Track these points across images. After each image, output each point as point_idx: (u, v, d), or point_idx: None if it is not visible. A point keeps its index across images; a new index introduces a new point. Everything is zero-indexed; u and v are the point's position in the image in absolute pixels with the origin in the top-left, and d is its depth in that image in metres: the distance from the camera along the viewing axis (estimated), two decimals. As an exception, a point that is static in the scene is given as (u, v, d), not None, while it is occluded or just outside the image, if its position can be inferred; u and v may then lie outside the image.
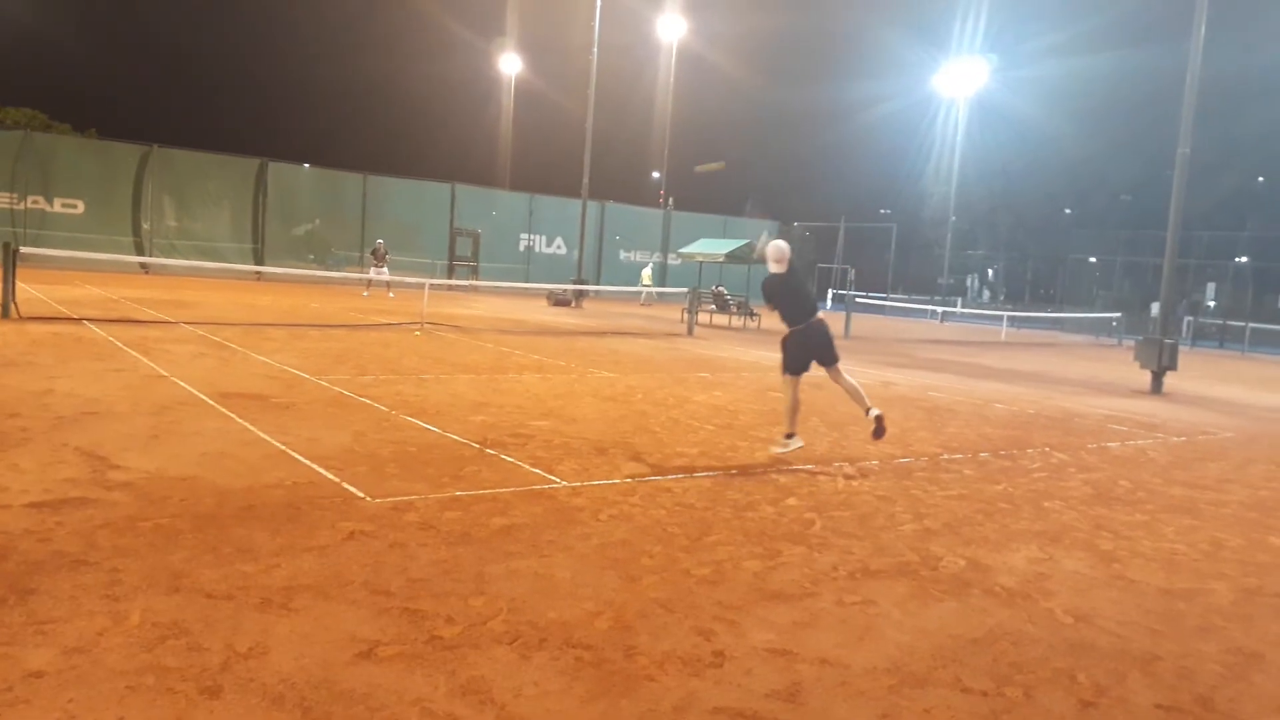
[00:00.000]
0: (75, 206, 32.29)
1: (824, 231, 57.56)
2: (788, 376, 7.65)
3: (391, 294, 27.37)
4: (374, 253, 27.43)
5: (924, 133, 53.84)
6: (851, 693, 3.44)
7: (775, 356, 18.60)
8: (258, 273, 32.04)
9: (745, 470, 7.06)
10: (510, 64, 52.49)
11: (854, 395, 7.72)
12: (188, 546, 4.47)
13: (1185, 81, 15.44)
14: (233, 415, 7.73)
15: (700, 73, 61.08)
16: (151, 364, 10.30)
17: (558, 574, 4.47)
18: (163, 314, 16.59)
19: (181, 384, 9.10)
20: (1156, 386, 15.48)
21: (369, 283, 27.67)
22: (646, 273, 37.38)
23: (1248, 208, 48.71)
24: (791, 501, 6.21)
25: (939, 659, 3.81)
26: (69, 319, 14.51)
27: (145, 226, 33.01)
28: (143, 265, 30.63)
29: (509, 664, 3.46)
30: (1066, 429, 10.54)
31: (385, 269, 27.01)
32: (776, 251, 7.74)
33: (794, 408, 7.56)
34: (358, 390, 9.50)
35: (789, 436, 7.52)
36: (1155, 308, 39.23)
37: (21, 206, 31.27)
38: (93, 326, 13.69)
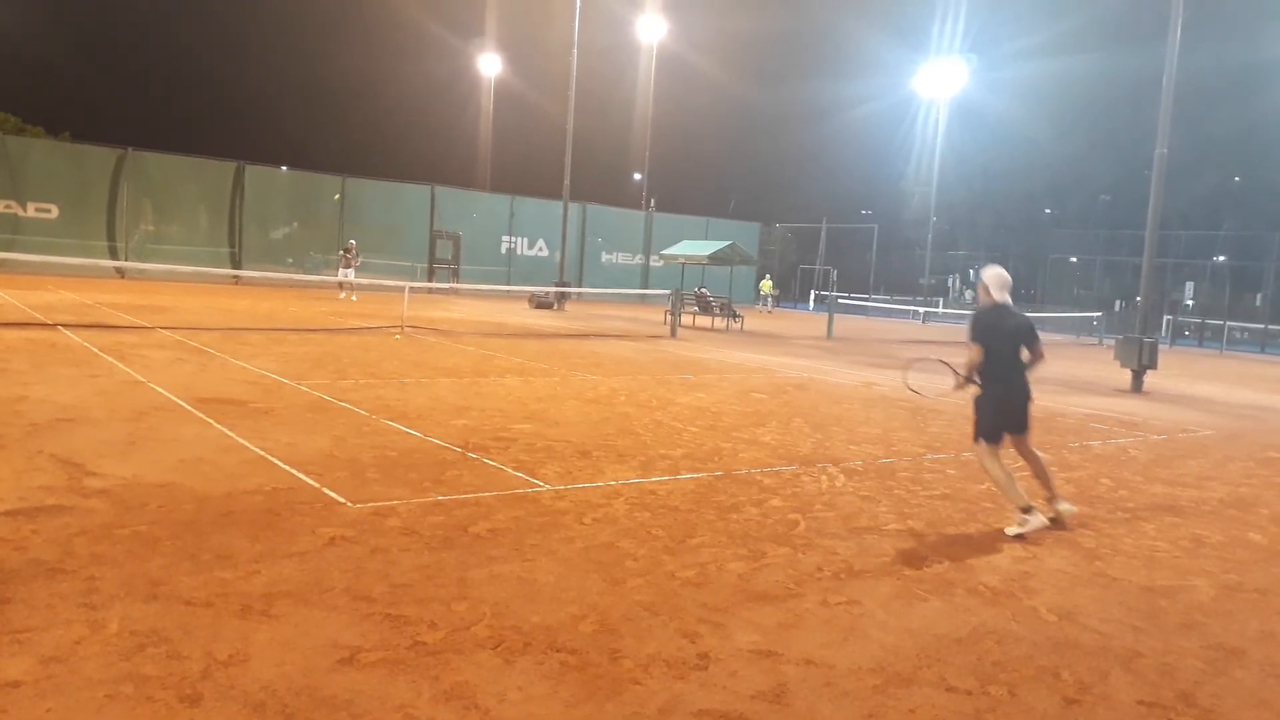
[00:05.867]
0: (49, 211, 31.92)
1: (806, 232, 57.79)
2: None
3: (355, 297, 27.07)
4: (346, 251, 27.11)
5: (904, 134, 54.14)
6: (837, 693, 3.44)
7: (758, 358, 18.40)
8: (235, 277, 31.78)
9: (729, 472, 7.05)
10: (490, 65, 52.42)
11: None
12: (166, 553, 4.41)
13: (1162, 82, 15.59)
14: (210, 421, 7.66)
15: (681, 74, 61.37)
16: (128, 370, 10.19)
17: (541, 578, 4.45)
18: (139, 319, 16.43)
19: (158, 390, 9.01)
20: (1137, 385, 15.59)
21: (341, 284, 27.33)
22: (767, 282, 38.96)
23: (1225, 207, 49.25)
24: (775, 503, 6.21)
25: (924, 658, 3.81)
26: (43, 325, 14.35)
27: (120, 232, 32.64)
28: (118, 270, 30.31)
29: (493, 669, 3.43)
30: (1048, 428, 10.60)
31: (351, 271, 26.68)
32: None
33: None
34: (337, 395, 9.43)
35: None
36: (1118, 305, 39.78)
37: (-6, 212, 30.92)
38: (68, 332, 13.54)
